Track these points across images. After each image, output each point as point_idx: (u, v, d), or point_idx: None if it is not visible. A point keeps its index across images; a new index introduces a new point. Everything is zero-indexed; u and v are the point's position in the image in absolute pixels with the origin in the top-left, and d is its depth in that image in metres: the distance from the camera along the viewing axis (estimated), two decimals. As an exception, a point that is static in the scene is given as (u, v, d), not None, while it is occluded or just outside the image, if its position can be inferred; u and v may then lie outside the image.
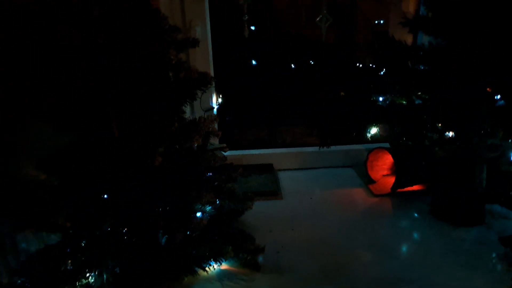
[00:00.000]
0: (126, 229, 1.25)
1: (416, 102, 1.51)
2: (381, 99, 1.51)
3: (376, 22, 2.29)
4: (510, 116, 1.17)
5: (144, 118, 1.11)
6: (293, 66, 2.38)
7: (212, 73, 2.14)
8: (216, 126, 1.59)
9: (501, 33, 1.37)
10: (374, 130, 1.57)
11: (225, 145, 1.84)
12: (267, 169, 2.27)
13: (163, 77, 1.16)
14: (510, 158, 1.30)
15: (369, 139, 1.59)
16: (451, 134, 1.32)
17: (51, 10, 1.01)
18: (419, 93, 1.56)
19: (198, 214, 1.38)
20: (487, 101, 1.29)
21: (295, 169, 2.33)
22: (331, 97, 1.67)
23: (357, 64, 1.89)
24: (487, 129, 1.21)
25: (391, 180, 1.95)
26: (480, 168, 1.46)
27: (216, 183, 1.51)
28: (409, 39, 1.79)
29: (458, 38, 1.43)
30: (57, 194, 1.20)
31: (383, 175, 2.13)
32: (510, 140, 1.22)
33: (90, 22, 1.02)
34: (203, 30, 2.04)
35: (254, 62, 2.24)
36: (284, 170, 2.32)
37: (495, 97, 1.27)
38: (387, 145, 2.01)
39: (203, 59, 2.07)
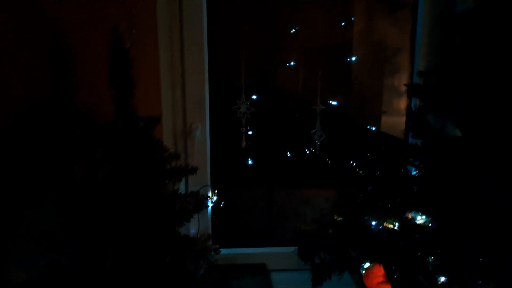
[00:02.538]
0: None
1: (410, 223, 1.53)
2: (374, 223, 1.53)
3: (368, 127, 2.41)
4: (501, 270, 1.19)
5: (138, 252, 1.11)
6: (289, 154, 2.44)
7: (209, 172, 2.20)
8: (210, 243, 1.59)
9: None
10: (367, 265, 1.56)
11: (217, 246, 1.83)
12: (260, 270, 2.22)
13: (160, 208, 1.18)
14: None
15: (362, 274, 1.58)
16: (443, 279, 1.33)
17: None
18: (413, 211, 1.58)
19: None
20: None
21: (289, 270, 2.26)
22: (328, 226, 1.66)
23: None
24: (478, 281, 1.22)
25: (387, 290, 1.89)
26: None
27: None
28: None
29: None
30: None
31: (378, 283, 2.07)
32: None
33: (92, 160, 1.07)
34: (203, 132, 2.15)
35: (250, 162, 2.31)
36: (278, 270, 2.26)
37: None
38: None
39: (201, 156, 2.16)
